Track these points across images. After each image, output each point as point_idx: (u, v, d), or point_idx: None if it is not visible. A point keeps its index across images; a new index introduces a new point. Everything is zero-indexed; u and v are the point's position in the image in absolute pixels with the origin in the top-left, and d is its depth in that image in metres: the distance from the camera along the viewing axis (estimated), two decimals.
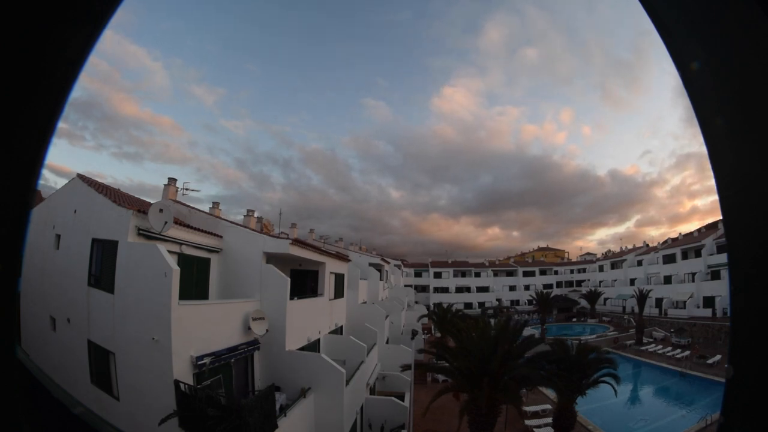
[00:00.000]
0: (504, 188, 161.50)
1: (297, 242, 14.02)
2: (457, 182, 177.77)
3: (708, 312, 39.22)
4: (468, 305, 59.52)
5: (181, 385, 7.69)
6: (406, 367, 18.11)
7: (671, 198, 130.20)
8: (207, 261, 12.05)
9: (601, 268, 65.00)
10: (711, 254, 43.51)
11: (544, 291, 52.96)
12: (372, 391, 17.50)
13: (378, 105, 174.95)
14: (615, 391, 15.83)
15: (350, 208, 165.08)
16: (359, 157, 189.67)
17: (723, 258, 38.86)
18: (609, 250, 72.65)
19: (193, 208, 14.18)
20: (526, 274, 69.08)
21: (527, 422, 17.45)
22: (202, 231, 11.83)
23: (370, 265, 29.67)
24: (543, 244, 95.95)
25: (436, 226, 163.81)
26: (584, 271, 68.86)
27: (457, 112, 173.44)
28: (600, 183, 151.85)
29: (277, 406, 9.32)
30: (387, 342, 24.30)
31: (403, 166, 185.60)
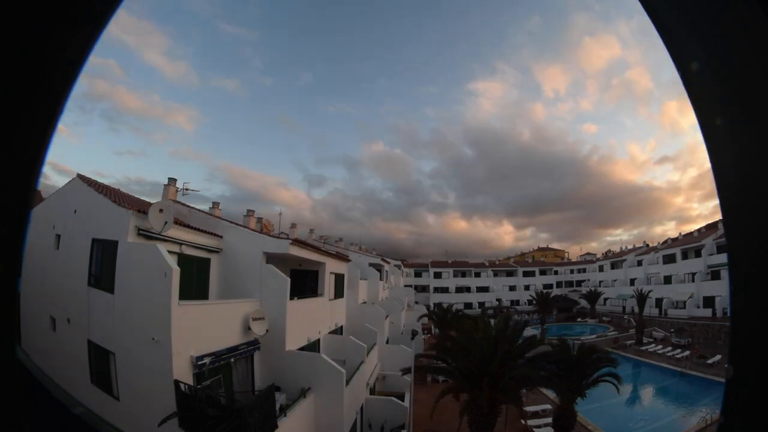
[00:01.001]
0: (559, 196, 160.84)
1: (297, 242, 14.02)
2: (517, 188, 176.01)
3: (708, 312, 39.22)
4: (468, 305, 59.52)
5: (181, 385, 7.69)
6: (406, 371, 18.10)
7: (688, 202, 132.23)
8: (207, 261, 12.05)
9: (601, 268, 65.00)
10: (711, 254, 43.51)
11: (544, 291, 53.01)
12: (372, 391, 17.51)
13: (476, 103, 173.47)
14: (617, 388, 15.82)
15: (397, 211, 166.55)
16: (435, 160, 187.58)
17: (723, 258, 38.86)
18: (609, 250, 72.72)
19: (194, 208, 14.19)
20: (526, 274, 69.10)
21: (527, 422, 17.44)
22: (202, 231, 11.83)
23: (370, 265, 29.68)
24: (565, 245, 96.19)
25: (474, 227, 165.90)
26: (584, 271, 68.86)
27: (546, 123, 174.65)
28: (636, 190, 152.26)
29: (277, 406, 9.31)
30: (387, 342, 24.30)
31: (471, 169, 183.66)
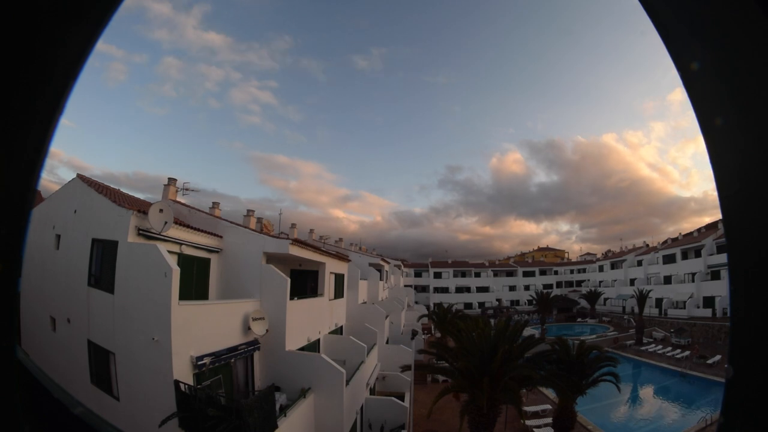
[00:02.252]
0: (630, 207, 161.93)
1: (297, 242, 14.02)
2: (603, 200, 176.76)
3: (708, 312, 39.24)
4: (468, 305, 59.56)
5: (181, 386, 7.69)
6: (406, 368, 18.11)
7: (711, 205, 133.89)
8: (207, 261, 12.05)
9: (601, 269, 65.01)
10: (711, 254, 43.52)
11: (544, 291, 52.99)
12: (372, 391, 17.50)
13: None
14: (618, 387, 15.83)
15: (486, 215, 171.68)
16: (552, 174, 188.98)
17: (723, 258, 38.86)
18: (609, 250, 72.73)
19: (193, 208, 14.20)
20: (526, 274, 69.11)
21: (527, 422, 17.44)
22: (202, 231, 11.84)
23: (370, 265, 29.67)
24: (599, 244, 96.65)
25: (530, 226, 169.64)
26: (584, 271, 68.87)
27: (650, 153, 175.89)
28: (683, 201, 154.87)
29: (277, 406, 9.31)
30: (387, 342, 24.29)
31: (579, 185, 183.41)
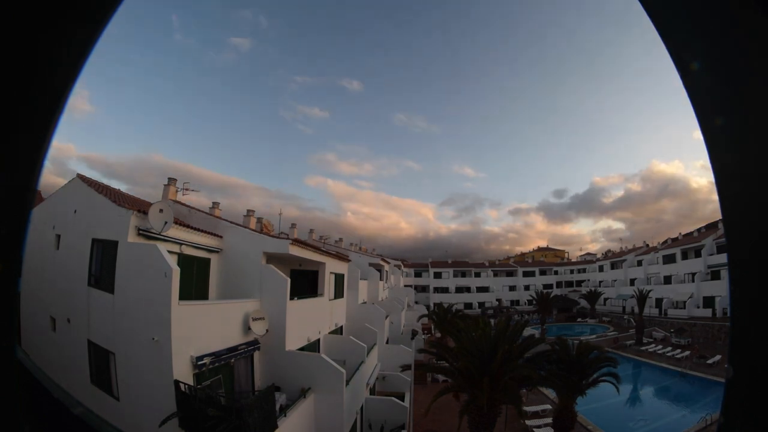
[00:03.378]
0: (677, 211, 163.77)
1: (297, 242, 14.02)
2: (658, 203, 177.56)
3: (708, 312, 39.23)
4: (468, 305, 59.55)
5: (181, 386, 7.69)
6: (406, 367, 18.11)
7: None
8: (207, 261, 12.05)
9: (601, 268, 64.99)
10: (711, 254, 43.51)
11: (544, 291, 53.03)
12: (372, 391, 17.50)
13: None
14: (617, 388, 15.83)
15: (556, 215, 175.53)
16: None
17: (723, 258, 38.85)
18: (609, 251, 72.74)
19: (193, 208, 14.19)
20: (526, 274, 69.09)
21: (527, 422, 17.43)
22: (202, 231, 11.84)
23: (370, 265, 29.66)
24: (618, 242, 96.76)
25: (587, 229, 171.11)
26: (584, 271, 68.85)
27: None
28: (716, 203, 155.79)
29: (277, 406, 9.31)
30: (387, 342, 24.30)
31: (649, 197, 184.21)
